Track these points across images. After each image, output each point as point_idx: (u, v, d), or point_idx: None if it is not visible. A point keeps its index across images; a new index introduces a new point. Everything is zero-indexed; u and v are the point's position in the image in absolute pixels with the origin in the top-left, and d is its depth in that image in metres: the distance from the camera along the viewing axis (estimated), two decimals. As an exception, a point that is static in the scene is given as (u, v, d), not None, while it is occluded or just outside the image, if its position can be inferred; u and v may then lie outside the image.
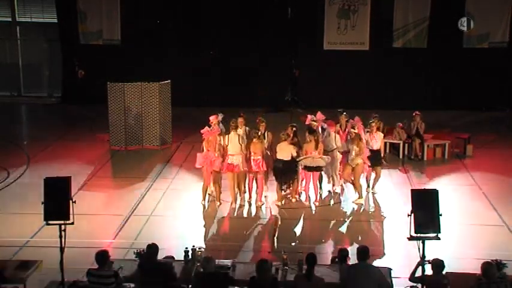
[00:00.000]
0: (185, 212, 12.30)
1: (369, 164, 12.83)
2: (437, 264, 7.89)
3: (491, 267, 7.33)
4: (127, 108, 16.50)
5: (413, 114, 15.99)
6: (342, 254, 8.52)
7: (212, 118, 12.74)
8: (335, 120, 13.62)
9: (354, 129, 12.90)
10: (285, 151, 12.28)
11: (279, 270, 8.25)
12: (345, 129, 13.36)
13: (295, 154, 12.28)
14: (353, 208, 12.65)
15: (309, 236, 11.38)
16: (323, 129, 13.06)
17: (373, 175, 13.34)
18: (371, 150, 12.87)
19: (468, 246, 10.75)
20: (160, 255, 8.36)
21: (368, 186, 13.45)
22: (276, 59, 21.48)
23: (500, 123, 19.56)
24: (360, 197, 12.71)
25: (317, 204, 12.71)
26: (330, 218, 12.17)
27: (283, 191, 12.69)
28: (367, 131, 13.06)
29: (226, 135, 12.38)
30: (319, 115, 13.18)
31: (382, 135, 13.42)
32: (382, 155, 13.33)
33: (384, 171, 14.59)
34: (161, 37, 21.60)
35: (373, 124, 13.07)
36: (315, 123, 13.04)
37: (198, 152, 12.56)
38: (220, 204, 12.49)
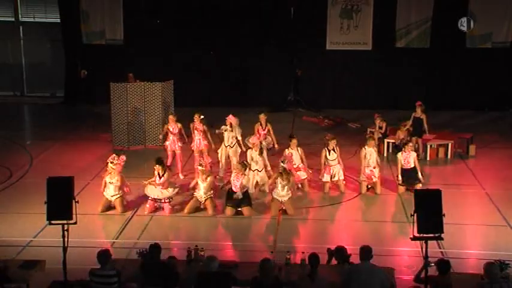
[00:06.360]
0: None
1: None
2: (442, 265, 7.89)
3: (494, 268, 7.33)
4: (130, 108, 16.51)
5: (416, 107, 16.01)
6: (342, 254, 8.50)
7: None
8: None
9: (284, 163, 11.92)
10: None
11: (281, 270, 8.25)
12: (264, 128, 14.32)
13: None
14: (355, 208, 12.66)
15: (311, 236, 11.37)
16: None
17: None
18: (406, 169, 13.08)
19: (471, 246, 10.74)
20: (163, 256, 8.36)
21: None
22: (279, 58, 21.47)
23: (503, 123, 19.52)
24: None
25: None
26: (333, 218, 12.19)
27: None
28: (401, 151, 13.22)
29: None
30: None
31: (415, 154, 13.44)
32: (419, 173, 13.20)
33: (386, 171, 14.57)
34: (163, 37, 21.59)
35: (410, 144, 13.46)
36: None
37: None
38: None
